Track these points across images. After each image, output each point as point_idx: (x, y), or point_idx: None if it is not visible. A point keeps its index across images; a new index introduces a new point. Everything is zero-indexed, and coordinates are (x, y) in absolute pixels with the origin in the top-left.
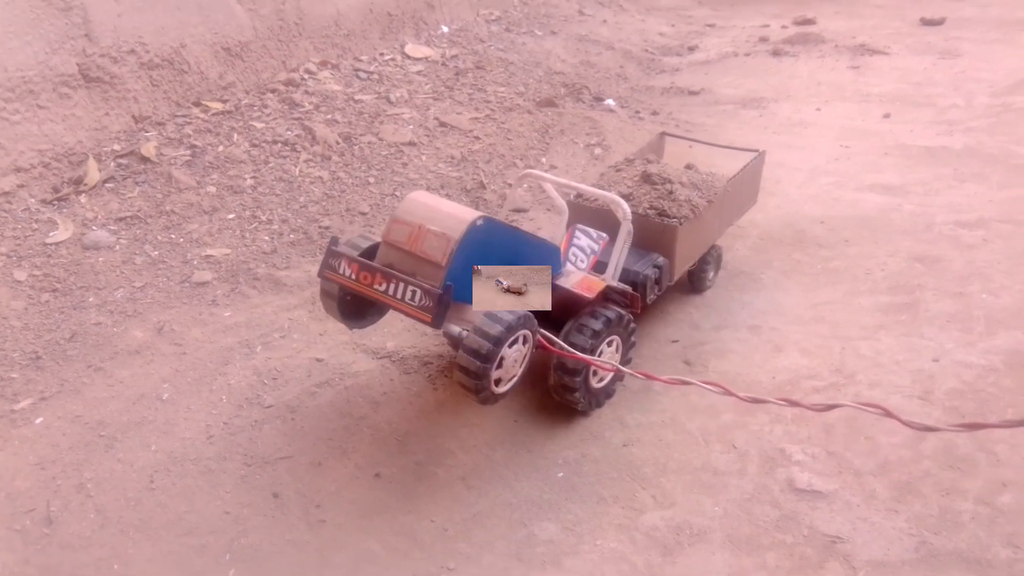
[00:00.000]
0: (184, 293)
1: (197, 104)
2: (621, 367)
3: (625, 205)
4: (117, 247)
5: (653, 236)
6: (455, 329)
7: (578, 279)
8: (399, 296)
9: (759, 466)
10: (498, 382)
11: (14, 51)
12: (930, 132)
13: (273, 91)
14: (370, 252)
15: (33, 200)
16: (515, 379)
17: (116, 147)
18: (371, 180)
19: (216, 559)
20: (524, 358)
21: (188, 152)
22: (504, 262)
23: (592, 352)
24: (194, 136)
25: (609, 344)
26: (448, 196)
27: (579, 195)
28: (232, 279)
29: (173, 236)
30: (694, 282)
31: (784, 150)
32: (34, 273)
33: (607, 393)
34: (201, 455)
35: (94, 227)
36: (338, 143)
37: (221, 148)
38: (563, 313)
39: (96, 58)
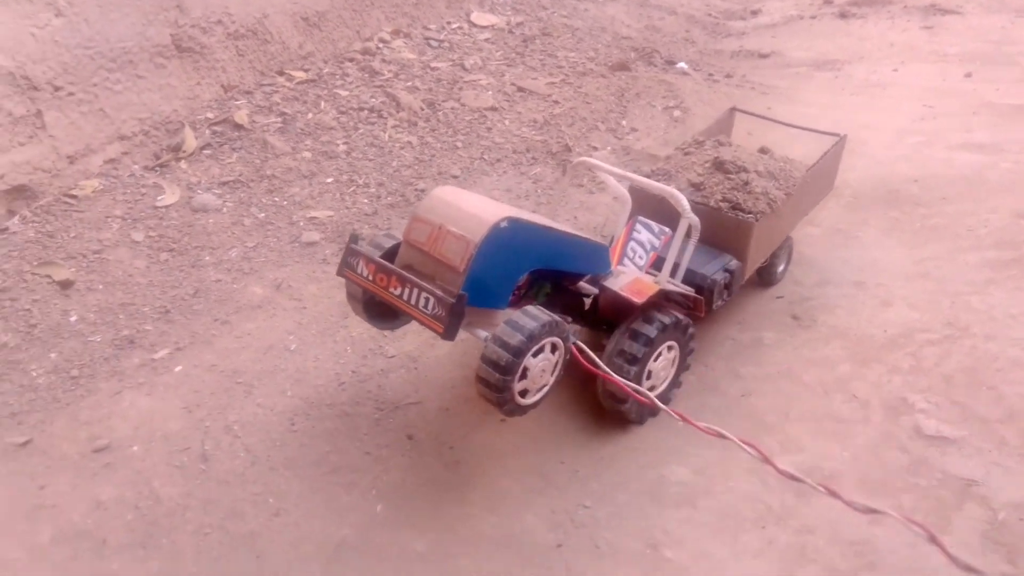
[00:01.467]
0: (295, 252)
1: (281, 73)
2: (658, 402)
3: (683, 199)
4: (224, 209)
5: (725, 232)
6: (482, 334)
7: (628, 281)
8: (413, 302)
9: (883, 415)
10: (524, 393)
11: (114, 22)
12: (1017, 90)
13: (351, 60)
14: (392, 252)
15: (137, 167)
16: (547, 388)
17: (209, 115)
18: (459, 144)
19: (363, 495)
20: (556, 367)
21: (279, 119)
22: (537, 264)
23: (645, 360)
24: (283, 104)
25: (669, 349)
26: (534, 160)
27: (633, 186)
28: (339, 239)
29: (276, 199)
30: (763, 276)
31: (866, 111)
32: (150, 234)
33: (664, 400)
34: (335, 400)
35: (199, 191)
36: (423, 109)
37: (310, 115)
38: (617, 316)
39: (187, 29)
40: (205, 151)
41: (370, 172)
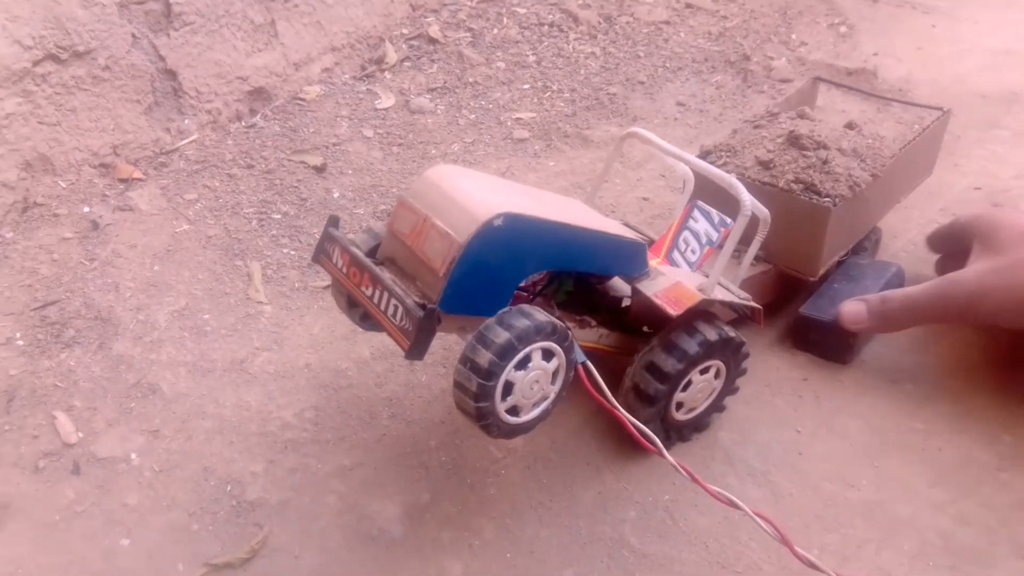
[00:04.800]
0: (509, 147)
1: None
2: (665, 452)
3: (743, 190)
4: (438, 111)
5: (796, 219)
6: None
7: (666, 285)
8: (383, 308)
9: None
10: (516, 410)
11: None
12: None
13: None
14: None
15: (347, 76)
16: (548, 403)
17: (404, 31)
18: (641, 54)
19: None
20: (558, 381)
21: (468, 34)
22: (544, 267)
23: (679, 380)
24: (468, 21)
25: (705, 372)
26: (713, 69)
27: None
28: (545, 136)
29: (483, 103)
30: None
31: None
32: (378, 131)
33: (697, 426)
34: None
35: (412, 95)
36: (600, 23)
37: (496, 31)
38: (652, 323)
39: None
40: (405, 63)
41: (562, 79)
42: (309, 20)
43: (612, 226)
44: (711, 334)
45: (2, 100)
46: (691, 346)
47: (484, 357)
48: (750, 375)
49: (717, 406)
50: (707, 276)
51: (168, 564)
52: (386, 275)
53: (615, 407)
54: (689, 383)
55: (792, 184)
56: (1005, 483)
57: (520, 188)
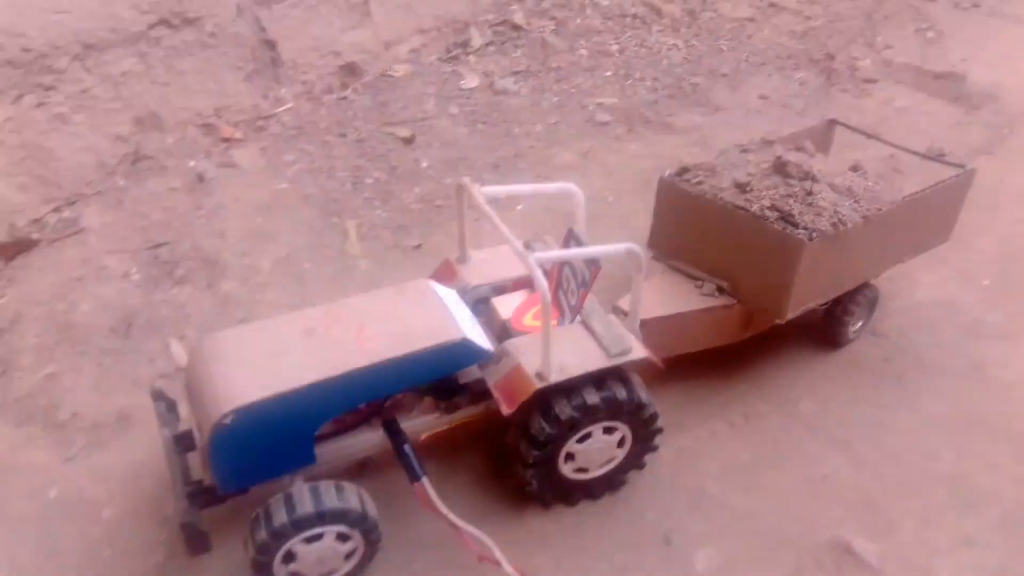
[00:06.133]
0: (591, 130)
1: None
2: (503, 561)
3: (534, 265)
4: (522, 93)
5: (767, 250)
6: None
7: (507, 371)
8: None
9: None
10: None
11: None
12: None
13: None
14: None
15: (433, 58)
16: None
17: (489, 17)
18: (724, 48)
19: None
20: (352, 557)
21: (552, 22)
22: (336, 411)
23: (548, 460)
24: (552, 9)
25: (607, 432)
26: (796, 66)
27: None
28: (628, 121)
29: (565, 87)
30: (830, 329)
31: None
32: (463, 109)
33: (610, 484)
34: None
35: (496, 77)
36: (683, 17)
37: (579, 20)
38: None
39: None
40: (490, 47)
41: (644, 68)
42: (400, 2)
43: (433, 324)
44: (537, 426)
45: (120, 59)
46: (545, 429)
47: (250, 552)
48: (831, 355)
49: (635, 463)
50: (591, 327)
51: None
52: (176, 462)
53: (455, 523)
54: (589, 435)
55: (767, 210)
56: None
57: (310, 326)
